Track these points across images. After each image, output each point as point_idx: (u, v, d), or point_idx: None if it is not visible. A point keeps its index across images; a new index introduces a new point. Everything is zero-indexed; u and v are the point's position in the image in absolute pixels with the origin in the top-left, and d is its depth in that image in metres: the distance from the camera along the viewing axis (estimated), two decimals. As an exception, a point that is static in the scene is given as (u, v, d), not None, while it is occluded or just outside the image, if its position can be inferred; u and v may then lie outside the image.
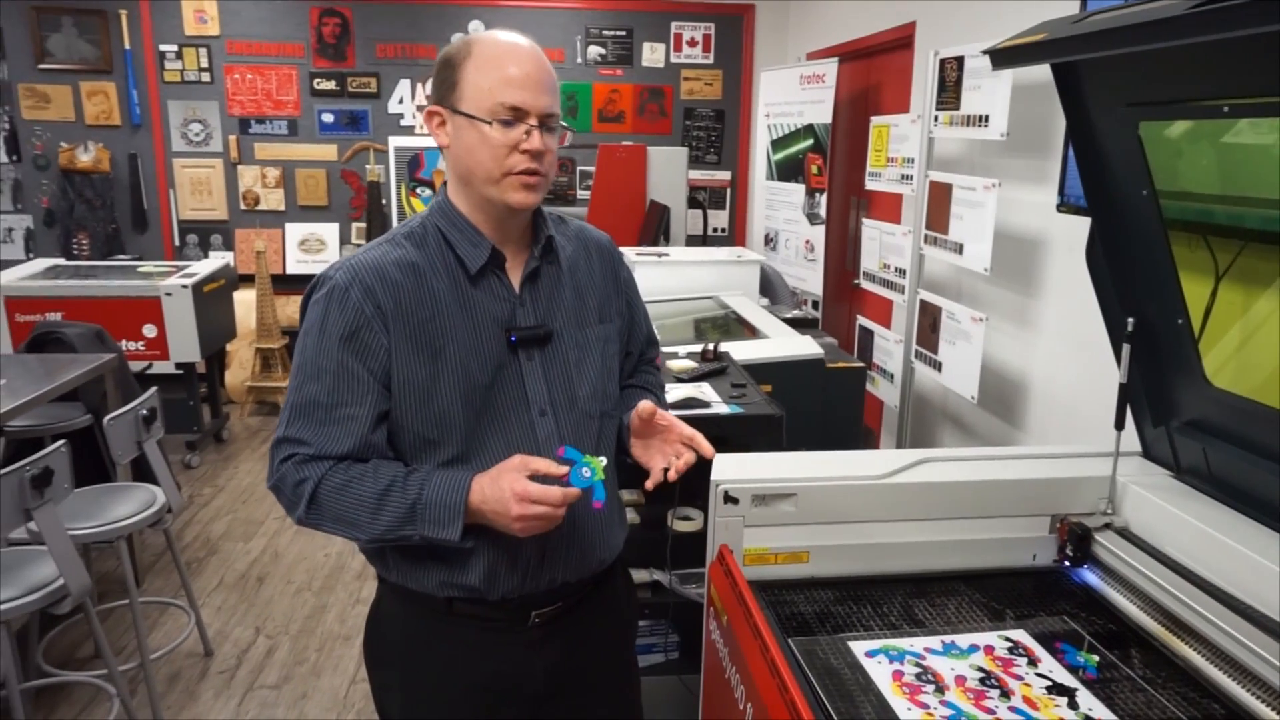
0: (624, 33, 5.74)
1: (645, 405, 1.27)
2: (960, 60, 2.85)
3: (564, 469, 1.15)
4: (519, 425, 1.25)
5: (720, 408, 2.05)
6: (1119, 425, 1.57)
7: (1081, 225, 2.46)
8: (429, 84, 1.28)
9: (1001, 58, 1.33)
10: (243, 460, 4.68)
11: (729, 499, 1.50)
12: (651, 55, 5.79)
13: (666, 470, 1.24)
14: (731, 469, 1.53)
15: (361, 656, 2.84)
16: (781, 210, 4.90)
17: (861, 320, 3.83)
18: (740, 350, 2.57)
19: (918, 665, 1.28)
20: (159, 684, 2.71)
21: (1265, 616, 1.25)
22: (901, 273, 3.33)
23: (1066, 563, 1.58)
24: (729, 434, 2.00)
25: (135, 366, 3.92)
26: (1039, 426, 2.76)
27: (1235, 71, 1.07)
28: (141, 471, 2.93)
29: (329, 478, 1.18)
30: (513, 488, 1.12)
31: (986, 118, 2.71)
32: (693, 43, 5.82)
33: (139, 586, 3.16)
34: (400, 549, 1.25)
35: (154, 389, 2.78)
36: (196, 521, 3.92)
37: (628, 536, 1.45)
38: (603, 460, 1.16)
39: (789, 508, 1.53)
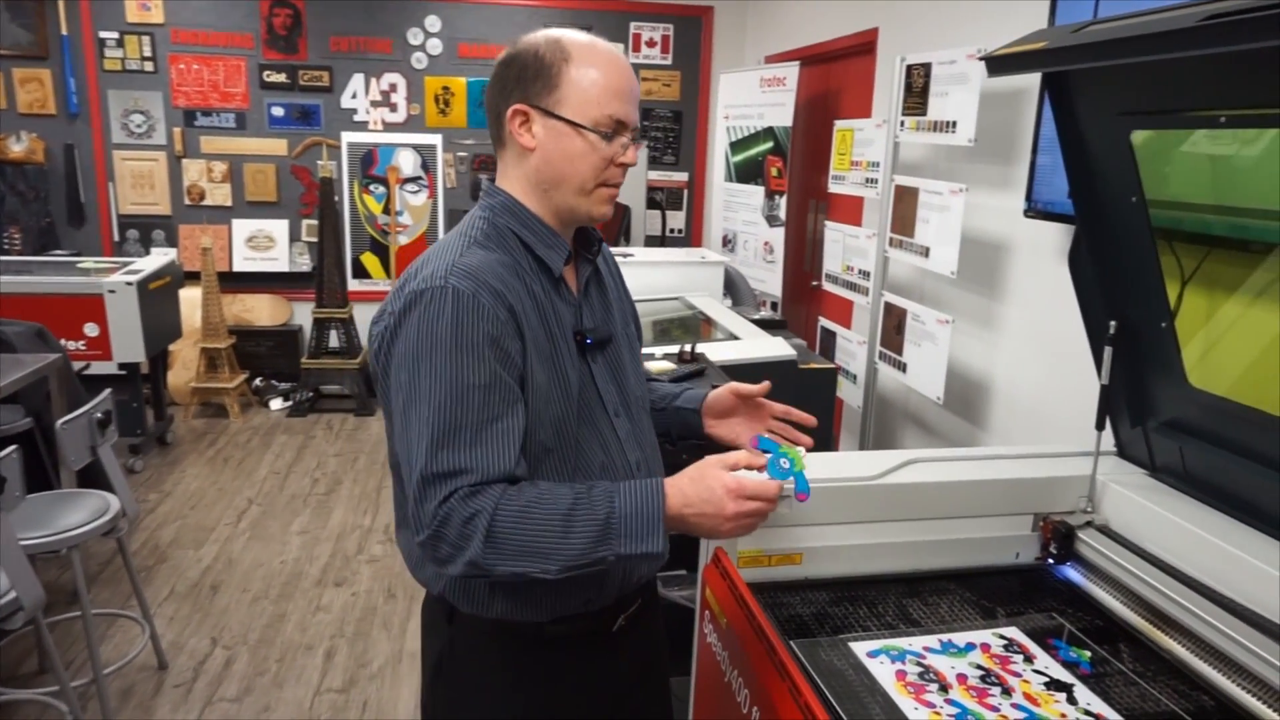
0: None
1: (742, 386, 1.33)
2: (928, 67, 2.90)
3: (763, 459, 1.11)
4: (605, 427, 1.24)
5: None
6: (1100, 426, 1.61)
7: (1047, 231, 2.54)
8: (513, 81, 1.17)
9: (999, 65, 1.35)
10: (189, 464, 4.53)
11: (725, 501, 1.49)
12: (610, 55, 5.77)
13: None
14: (726, 471, 1.53)
15: (325, 667, 2.80)
16: (740, 212, 4.93)
17: (824, 321, 3.88)
18: (714, 351, 2.58)
19: (919, 665, 1.30)
20: (111, 699, 2.60)
21: (1245, 608, 1.30)
22: (865, 275, 3.38)
23: (1050, 560, 1.62)
24: (713, 435, 1.99)
25: (74, 366, 3.75)
26: (1002, 427, 2.83)
27: (1235, 82, 1.11)
28: (86, 477, 2.81)
29: (504, 505, 1.05)
30: (724, 484, 1.06)
31: (954, 124, 2.76)
32: (651, 43, 5.82)
33: (85, 597, 3.02)
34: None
35: (108, 391, 2.67)
36: (143, 529, 3.78)
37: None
38: (801, 450, 1.12)
39: (783, 509, 1.52)
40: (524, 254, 1.21)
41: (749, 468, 1.10)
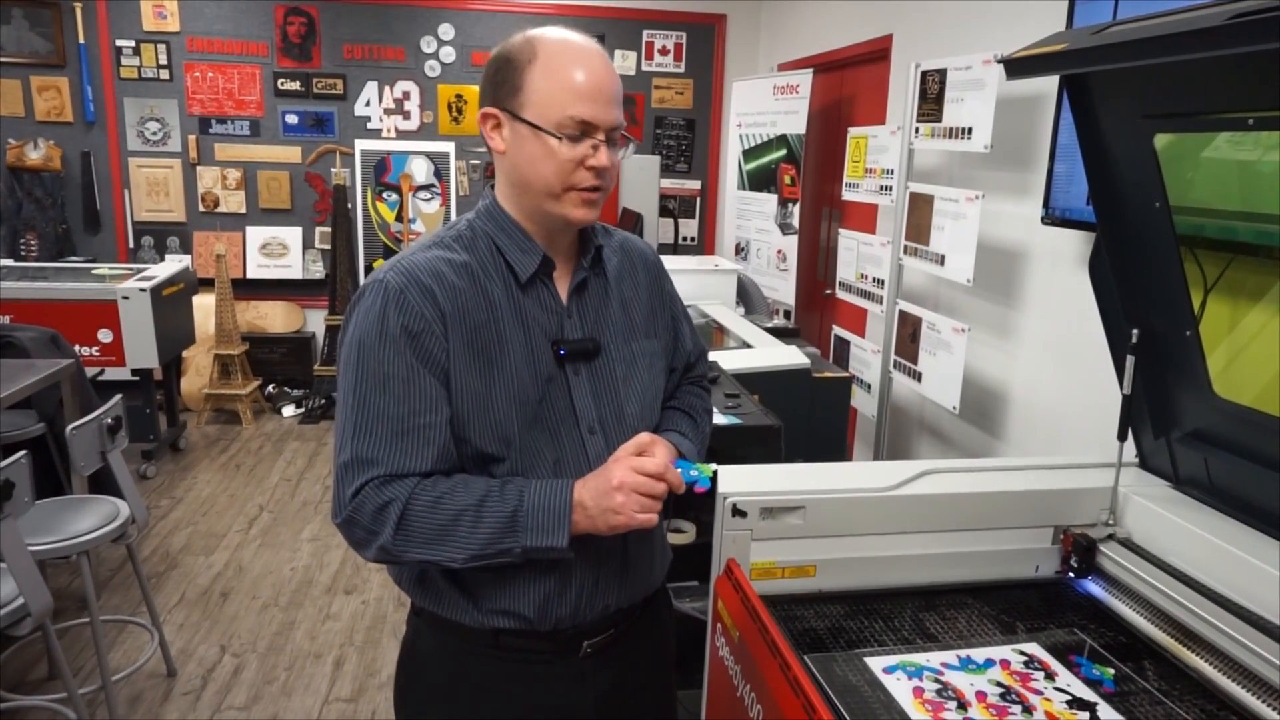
0: (595, 39, 5.70)
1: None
2: (943, 73, 2.87)
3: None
4: (570, 442, 1.19)
5: (717, 418, 2.02)
6: (1121, 437, 1.57)
7: (1066, 238, 2.50)
8: (487, 84, 1.17)
9: (1017, 67, 1.32)
10: (201, 470, 4.53)
11: (737, 512, 1.46)
12: (623, 63, 5.77)
13: None
14: (738, 481, 1.50)
15: (334, 675, 2.78)
16: (753, 220, 4.91)
17: (837, 330, 3.84)
18: (727, 360, 2.55)
19: (937, 681, 1.26)
20: (120, 706, 2.58)
21: (1273, 624, 1.26)
22: (880, 283, 3.34)
23: (1071, 574, 1.58)
24: (726, 445, 1.97)
25: (88, 373, 3.76)
26: (1019, 438, 2.79)
27: (1263, 83, 1.07)
28: (98, 483, 2.80)
29: (418, 495, 1.08)
30: (617, 459, 1.10)
31: (970, 130, 2.73)
32: (664, 51, 5.81)
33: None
34: (449, 575, 1.18)
35: (118, 397, 2.66)
36: (154, 535, 3.77)
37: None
38: (713, 467, 1.15)
39: (796, 520, 1.50)
40: (495, 257, 1.18)
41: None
